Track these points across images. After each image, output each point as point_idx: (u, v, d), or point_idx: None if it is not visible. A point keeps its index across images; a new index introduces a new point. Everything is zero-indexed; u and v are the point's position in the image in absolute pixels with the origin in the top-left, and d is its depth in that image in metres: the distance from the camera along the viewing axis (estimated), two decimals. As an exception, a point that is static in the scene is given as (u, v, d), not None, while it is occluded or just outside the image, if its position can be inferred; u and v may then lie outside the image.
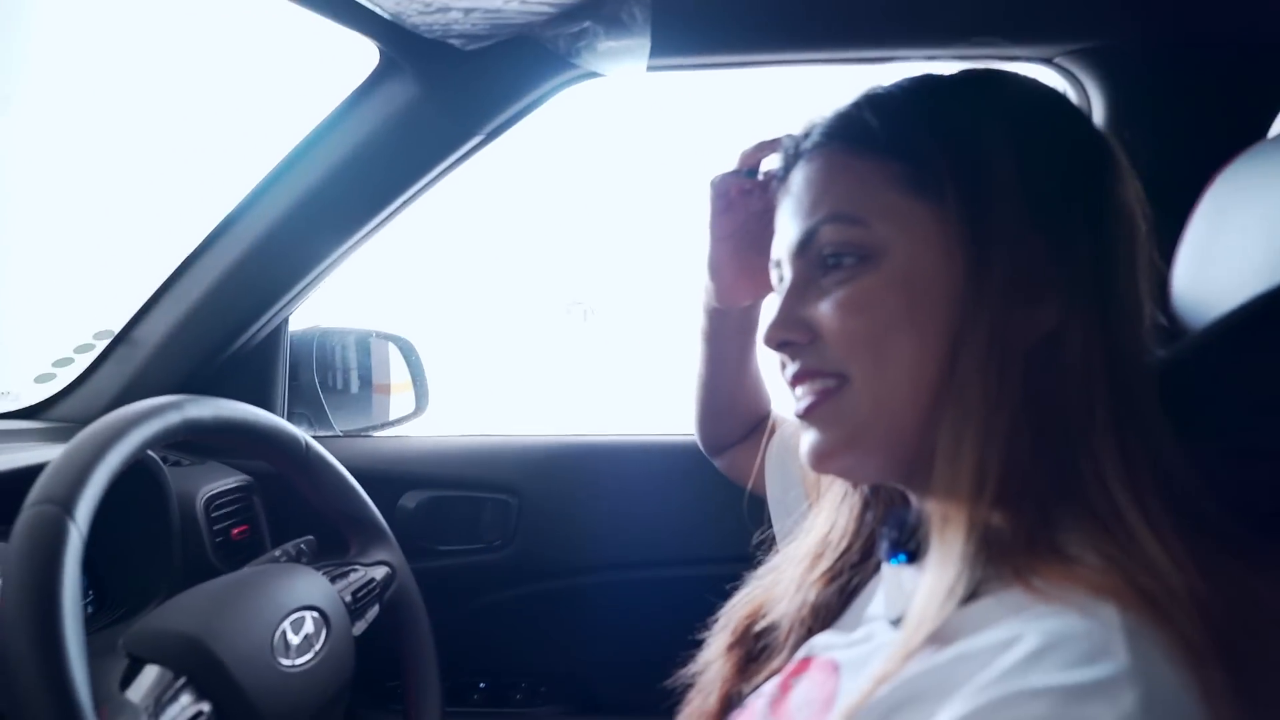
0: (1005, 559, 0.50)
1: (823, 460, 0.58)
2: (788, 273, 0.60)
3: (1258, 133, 0.86)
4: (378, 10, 0.88)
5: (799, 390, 0.59)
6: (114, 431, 0.72)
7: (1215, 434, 0.55)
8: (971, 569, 0.51)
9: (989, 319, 0.52)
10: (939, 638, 0.49)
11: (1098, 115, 0.95)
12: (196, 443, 1.19)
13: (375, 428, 1.49)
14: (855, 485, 0.67)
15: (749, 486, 0.93)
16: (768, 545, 0.80)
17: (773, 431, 0.92)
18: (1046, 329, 0.52)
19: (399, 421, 1.51)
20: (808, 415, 0.58)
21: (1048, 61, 0.96)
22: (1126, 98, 0.92)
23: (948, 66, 0.60)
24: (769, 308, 0.61)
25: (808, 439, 0.59)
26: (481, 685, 1.27)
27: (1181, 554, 0.46)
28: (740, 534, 0.83)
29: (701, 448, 1.03)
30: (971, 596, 0.50)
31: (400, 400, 1.55)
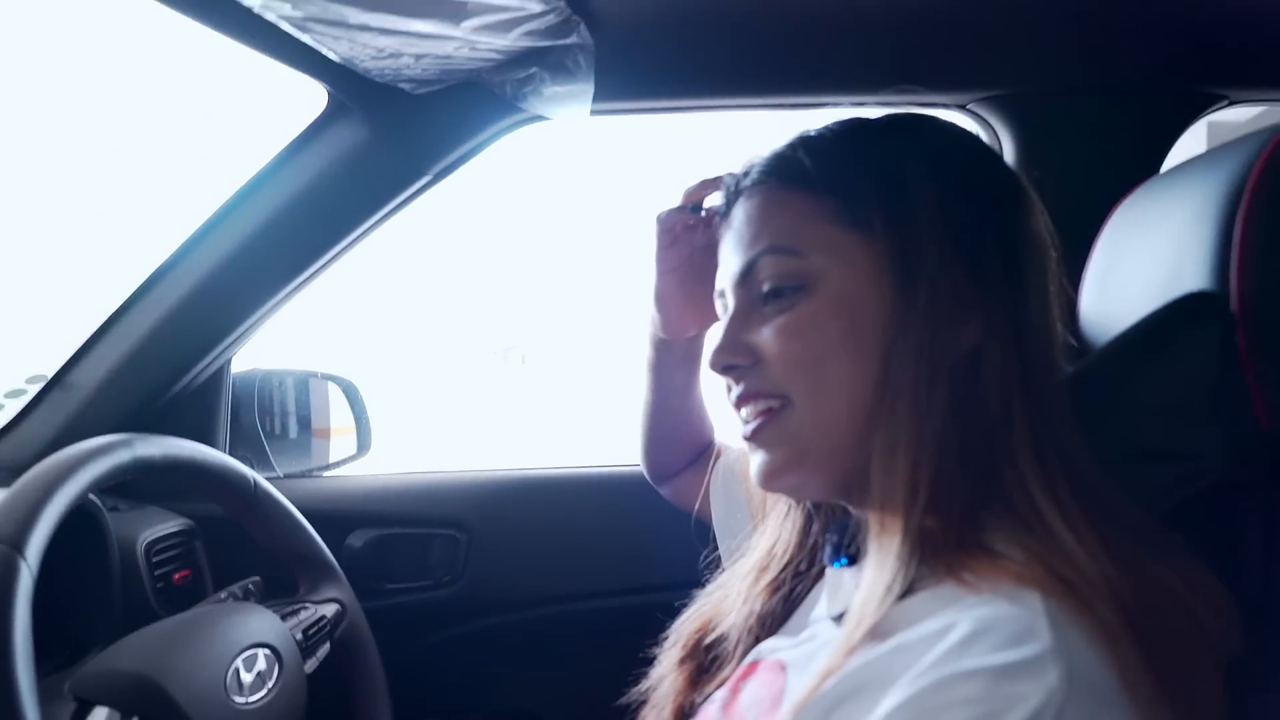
0: (938, 558, 0.54)
1: (771, 480, 0.62)
2: (731, 302, 0.64)
3: (1150, 171, 0.94)
4: (330, 55, 0.90)
5: (744, 412, 0.63)
6: (64, 469, 0.72)
7: (1120, 439, 0.60)
8: (907, 567, 0.54)
9: (916, 339, 0.56)
10: (879, 632, 0.52)
11: (1008, 156, 1.03)
12: (137, 487, 1.17)
13: (318, 470, 1.47)
14: (800, 502, 0.71)
15: (696, 511, 0.95)
16: (714, 567, 0.83)
17: (718, 456, 0.96)
18: (968, 348, 0.57)
19: (341, 463, 1.50)
20: (754, 438, 0.62)
21: (961, 107, 1.04)
22: (1033, 140, 0.99)
23: (873, 111, 0.66)
24: (713, 336, 0.65)
25: (756, 460, 0.62)
26: (432, 724, 1.26)
27: (1095, 545, 0.50)
28: (688, 560, 0.85)
29: (647, 476, 1.05)
30: (908, 593, 0.54)
31: (341, 444, 1.54)
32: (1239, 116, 1.08)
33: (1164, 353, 0.60)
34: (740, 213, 0.64)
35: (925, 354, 0.56)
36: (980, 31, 0.94)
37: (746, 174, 0.65)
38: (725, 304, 0.65)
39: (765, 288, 0.61)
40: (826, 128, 0.64)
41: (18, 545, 0.65)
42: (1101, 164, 0.98)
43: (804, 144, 0.63)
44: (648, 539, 1.20)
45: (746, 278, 0.62)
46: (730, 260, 0.64)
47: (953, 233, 0.57)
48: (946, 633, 0.48)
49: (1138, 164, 0.87)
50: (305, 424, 1.54)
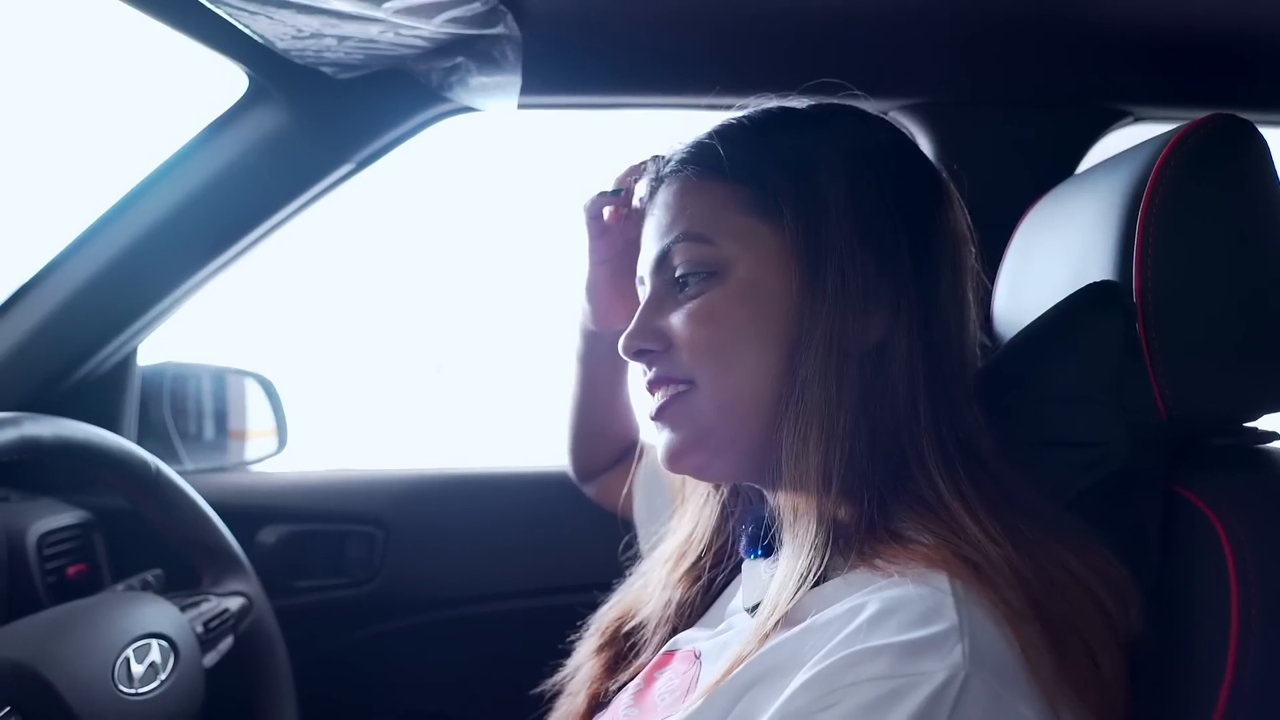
0: (850, 545, 0.55)
1: (674, 459, 0.62)
2: (648, 288, 0.64)
3: (1061, 179, 0.98)
4: (250, 34, 0.88)
5: (655, 396, 0.63)
6: (-59, 445, 0.67)
7: (1029, 427, 0.62)
8: (820, 554, 0.55)
9: (824, 328, 0.57)
10: (792, 619, 0.53)
11: (928, 162, 1.06)
12: (30, 477, 1.12)
13: (230, 468, 1.42)
14: (712, 485, 0.71)
15: (619, 510, 0.95)
16: (635, 566, 0.82)
17: (642, 454, 0.95)
18: (876, 338, 0.58)
19: (256, 461, 1.45)
20: (659, 417, 0.62)
21: (883, 114, 1.06)
22: (950, 147, 1.02)
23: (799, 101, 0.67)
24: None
25: (661, 440, 0.63)
26: (341, 728, 1.22)
27: (996, 530, 0.51)
28: (610, 561, 0.84)
29: (572, 474, 1.04)
30: (821, 581, 0.55)
31: (257, 446, 1.49)
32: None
33: (1070, 340, 0.62)
34: (660, 200, 0.65)
35: (834, 344, 0.57)
36: (900, 42, 0.96)
37: (668, 162, 0.66)
38: (644, 290, 0.65)
39: (678, 274, 0.62)
40: (746, 116, 0.65)
41: (-116, 521, 0.61)
42: (1014, 175, 1.00)
43: (721, 133, 0.64)
44: (568, 539, 1.19)
45: (662, 264, 0.63)
46: (649, 247, 0.65)
47: (863, 224, 0.58)
48: (856, 614, 0.49)
49: (1048, 175, 0.90)
50: (220, 422, 1.49)
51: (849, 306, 0.57)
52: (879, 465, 0.56)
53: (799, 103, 0.67)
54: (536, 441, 1.31)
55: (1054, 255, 0.72)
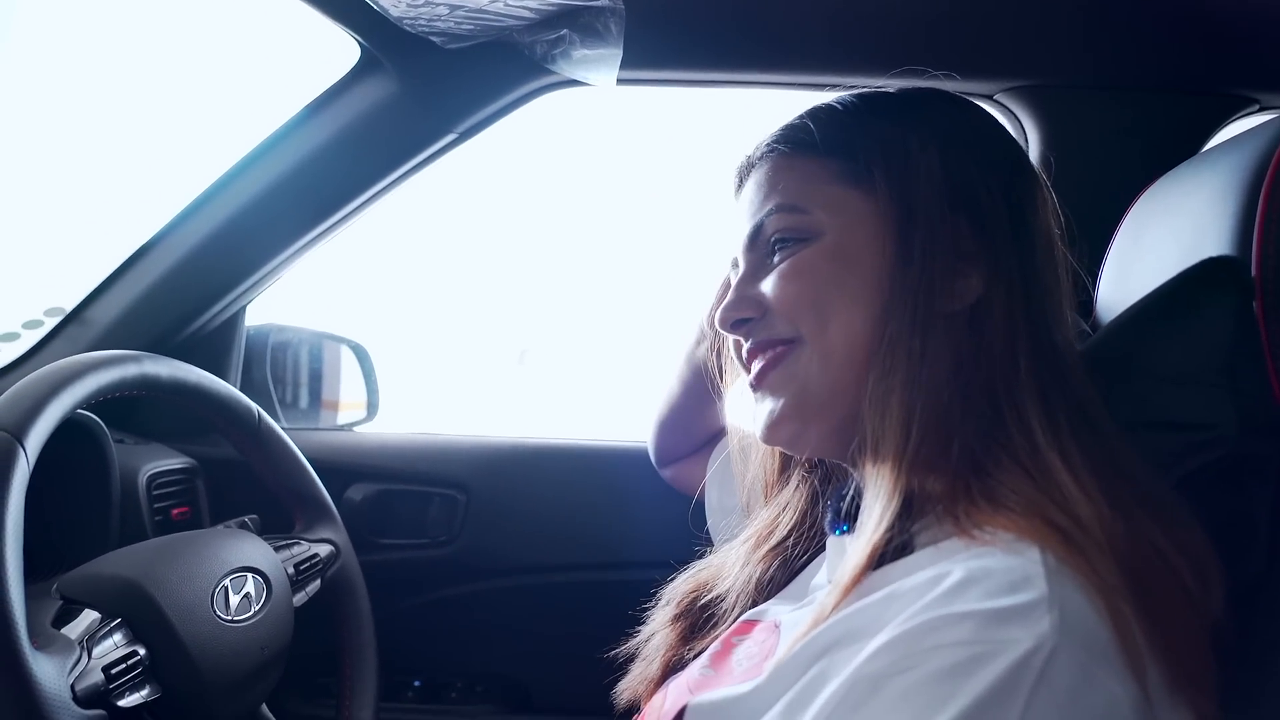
0: (940, 512, 0.54)
1: (773, 428, 0.62)
2: (742, 265, 0.65)
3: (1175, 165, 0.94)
4: (367, 0, 0.91)
5: (754, 364, 0.63)
6: (71, 372, 0.72)
7: (1132, 405, 0.59)
8: (897, 513, 0.54)
9: (913, 287, 0.57)
10: (876, 585, 0.52)
11: (1033, 147, 1.02)
12: (143, 424, 1.19)
13: (324, 427, 1.48)
14: (805, 468, 0.71)
15: (696, 495, 0.95)
16: (707, 547, 0.82)
17: (719, 447, 0.95)
18: (971, 299, 0.57)
19: (348, 426, 1.51)
20: (760, 382, 0.62)
21: (988, 97, 1.03)
22: (1059, 133, 0.99)
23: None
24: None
25: (761, 410, 0.63)
26: (416, 683, 1.25)
27: (1093, 488, 0.50)
28: (683, 541, 0.85)
29: (652, 456, 1.05)
30: (909, 548, 0.54)
31: (348, 415, 1.55)
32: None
33: (1182, 317, 0.60)
34: (751, 182, 0.66)
35: (922, 303, 0.57)
36: (1010, 21, 0.93)
37: (757, 148, 0.67)
38: (736, 271, 0.66)
39: (772, 244, 0.63)
40: (836, 99, 0.67)
41: (18, 435, 0.65)
42: (1126, 161, 0.97)
43: (812, 114, 0.65)
44: (645, 516, 1.19)
45: (755, 239, 0.64)
46: (741, 227, 0.66)
47: (955, 190, 0.59)
48: (940, 580, 0.48)
49: (1163, 162, 0.87)
50: (314, 388, 1.55)
51: (939, 266, 0.57)
52: (971, 423, 0.55)
53: (892, 87, 0.68)
54: (619, 436, 1.31)
55: (1164, 238, 0.69)
